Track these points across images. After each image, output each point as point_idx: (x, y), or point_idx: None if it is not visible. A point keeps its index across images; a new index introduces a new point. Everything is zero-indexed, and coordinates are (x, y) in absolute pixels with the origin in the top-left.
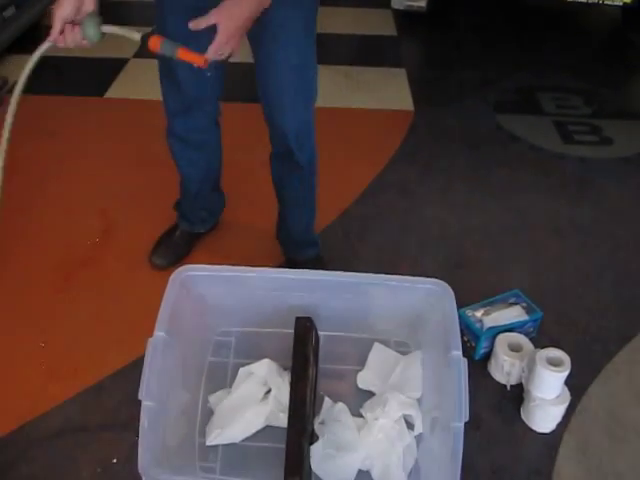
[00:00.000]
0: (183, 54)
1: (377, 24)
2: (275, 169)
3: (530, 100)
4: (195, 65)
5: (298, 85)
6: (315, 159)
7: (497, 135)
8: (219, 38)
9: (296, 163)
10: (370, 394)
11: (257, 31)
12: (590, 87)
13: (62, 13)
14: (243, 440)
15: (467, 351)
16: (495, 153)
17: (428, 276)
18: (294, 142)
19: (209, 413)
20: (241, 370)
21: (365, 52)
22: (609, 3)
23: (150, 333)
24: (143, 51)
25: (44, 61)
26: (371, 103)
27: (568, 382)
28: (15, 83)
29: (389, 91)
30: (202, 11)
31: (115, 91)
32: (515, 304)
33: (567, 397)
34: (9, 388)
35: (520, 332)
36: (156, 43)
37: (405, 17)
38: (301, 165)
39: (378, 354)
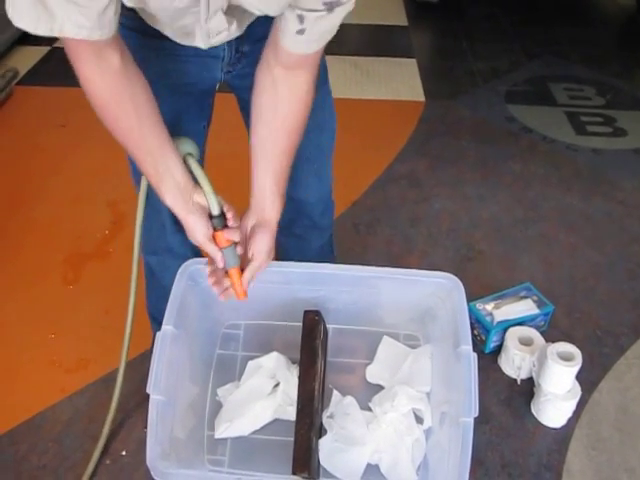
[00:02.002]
0: (234, 274)
1: (388, 14)
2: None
3: (542, 91)
4: (233, 288)
5: (325, 145)
6: (334, 207)
7: (508, 126)
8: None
9: (312, 228)
10: (379, 388)
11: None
12: (603, 77)
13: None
14: (252, 433)
15: (477, 345)
16: (506, 144)
17: (438, 269)
18: (316, 212)
19: (218, 406)
20: (250, 363)
21: (375, 42)
22: None
23: None
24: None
25: (54, 53)
26: (381, 94)
27: (579, 377)
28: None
29: (399, 81)
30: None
31: None
32: (526, 297)
33: (578, 392)
34: (19, 380)
35: (531, 326)
36: (221, 241)
37: (416, 7)
38: (320, 227)
39: (387, 348)
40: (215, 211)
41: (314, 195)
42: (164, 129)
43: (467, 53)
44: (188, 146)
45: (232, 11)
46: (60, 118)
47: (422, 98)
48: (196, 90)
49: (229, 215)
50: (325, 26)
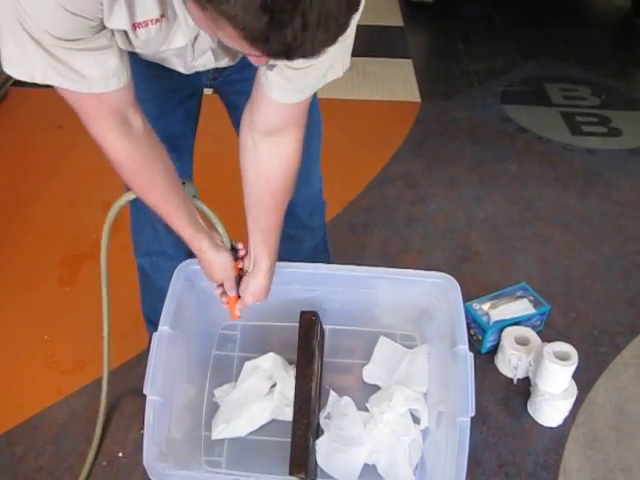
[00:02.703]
0: (232, 300)
1: (383, 15)
2: None
3: (537, 91)
4: (229, 309)
5: (313, 149)
6: (325, 207)
7: (504, 127)
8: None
9: (303, 228)
10: (376, 388)
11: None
12: (598, 78)
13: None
14: (249, 434)
15: (474, 344)
16: (502, 145)
17: (434, 269)
18: (304, 213)
19: (214, 407)
20: (246, 364)
21: (371, 43)
22: None
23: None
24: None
25: None
26: (377, 94)
27: (575, 376)
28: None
29: (395, 82)
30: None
31: None
32: (522, 297)
33: (574, 391)
34: (15, 381)
35: (527, 325)
36: (234, 271)
37: (411, 7)
38: (311, 227)
39: (384, 348)
40: (229, 245)
41: (300, 197)
42: (179, 180)
43: (463, 54)
44: (191, 188)
45: (224, 46)
46: (56, 119)
47: (418, 99)
48: (183, 95)
49: (240, 246)
50: (291, 73)
